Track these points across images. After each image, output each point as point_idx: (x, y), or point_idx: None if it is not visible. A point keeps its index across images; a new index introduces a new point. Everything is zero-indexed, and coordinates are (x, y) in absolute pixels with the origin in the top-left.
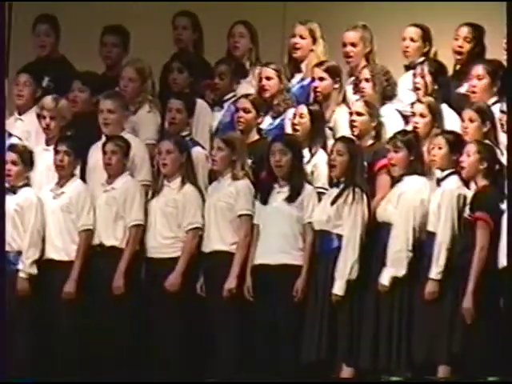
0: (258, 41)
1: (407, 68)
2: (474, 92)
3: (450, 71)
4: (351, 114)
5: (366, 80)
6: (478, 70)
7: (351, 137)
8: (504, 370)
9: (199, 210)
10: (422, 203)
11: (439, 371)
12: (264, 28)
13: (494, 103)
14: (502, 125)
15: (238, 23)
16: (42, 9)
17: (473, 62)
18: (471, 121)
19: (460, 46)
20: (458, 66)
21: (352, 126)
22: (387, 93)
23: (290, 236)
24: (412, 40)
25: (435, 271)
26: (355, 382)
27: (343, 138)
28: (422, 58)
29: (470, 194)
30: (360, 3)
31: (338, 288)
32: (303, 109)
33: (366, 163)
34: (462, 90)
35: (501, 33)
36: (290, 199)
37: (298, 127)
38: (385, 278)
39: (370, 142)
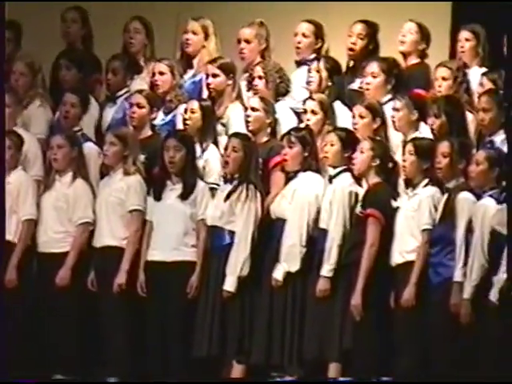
0: (154, 37)
1: (298, 64)
2: (367, 89)
3: (343, 67)
4: (246, 109)
5: (259, 77)
6: (373, 67)
7: (247, 133)
8: (392, 368)
9: (90, 204)
10: (317, 199)
11: (330, 368)
12: (159, 24)
13: (388, 101)
14: (393, 122)
15: (134, 19)
16: None
17: (367, 60)
18: (361, 117)
19: (353, 43)
20: (351, 63)
21: (247, 122)
22: (280, 90)
23: (183, 233)
24: (304, 36)
25: (326, 268)
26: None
27: (239, 134)
28: (313, 55)
29: (361, 191)
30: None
31: (229, 284)
32: (194, 104)
33: (260, 160)
34: (355, 86)
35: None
36: (184, 196)
37: (188, 122)
38: (278, 273)
39: (265, 138)
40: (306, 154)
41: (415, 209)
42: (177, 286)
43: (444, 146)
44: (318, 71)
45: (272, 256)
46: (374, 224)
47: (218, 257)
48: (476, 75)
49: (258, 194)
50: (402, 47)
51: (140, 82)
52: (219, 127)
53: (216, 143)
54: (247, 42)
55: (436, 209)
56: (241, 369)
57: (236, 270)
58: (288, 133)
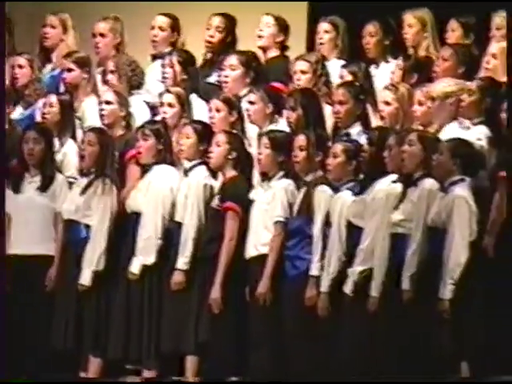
0: (14, 32)
1: (154, 57)
2: (226, 82)
3: (199, 60)
4: (101, 103)
5: (111, 71)
6: (232, 60)
7: (102, 127)
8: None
9: None
10: (172, 192)
11: (187, 361)
12: (20, 19)
13: (246, 94)
14: (249, 115)
15: None
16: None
17: (226, 52)
18: (218, 110)
19: (211, 36)
20: (208, 56)
21: (101, 116)
22: (133, 83)
23: (42, 226)
24: (161, 29)
25: (181, 261)
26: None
27: (94, 129)
28: (169, 48)
29: (216, 184)
30: None
31: (84, 278)
32: (53, 98)
33: (117, 153)
34: (212, 79)
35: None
36: (42, 189)
37: (47, 116)
38: (134, 267)
39: (121, 132)
40: (161, 147)
41: (269, 201)
42: (37, 279)
43: (300, 140)
44: (171, 66)
45: (129, 250)
46: (233, 218)
47: (75, 250)
48: (335, 67)
49: (114, 188)
50: (260, 42)
51: None
52: (76, 121)
53: (74, 137)
54: (102, 35)
55: (289, 201)
56: (98, 362)
57: (92, 263)
58: (142, 126)
